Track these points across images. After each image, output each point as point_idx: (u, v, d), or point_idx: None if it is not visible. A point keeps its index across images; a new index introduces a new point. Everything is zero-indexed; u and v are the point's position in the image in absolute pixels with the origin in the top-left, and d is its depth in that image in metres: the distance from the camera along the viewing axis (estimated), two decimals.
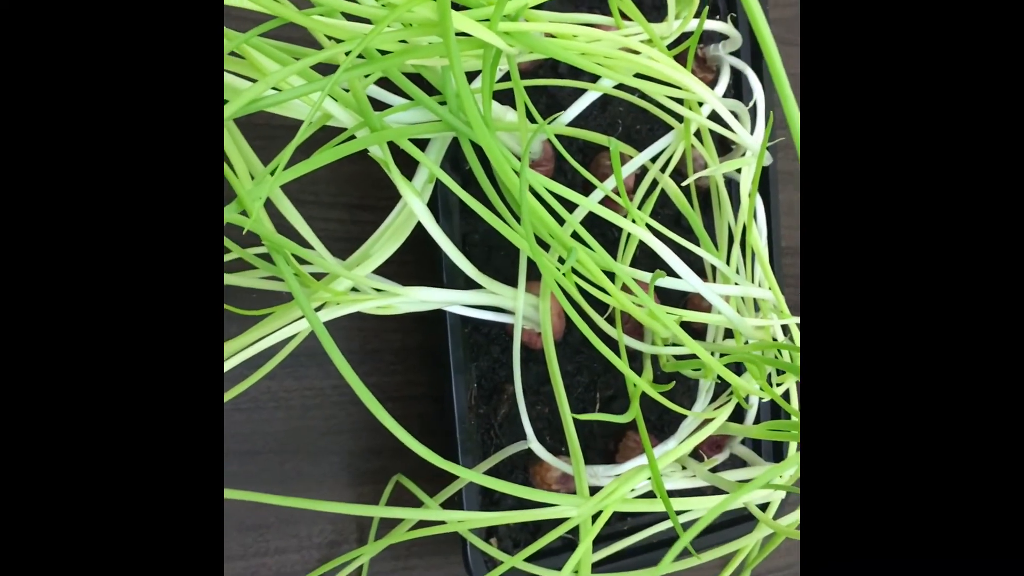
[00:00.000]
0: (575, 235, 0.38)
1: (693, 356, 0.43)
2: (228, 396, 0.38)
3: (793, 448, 0.46)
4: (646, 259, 0.49)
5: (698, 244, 0.45)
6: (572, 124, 0.45)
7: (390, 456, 0.47)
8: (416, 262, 0.46)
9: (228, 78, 0.36)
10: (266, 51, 0.34)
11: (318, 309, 0.37)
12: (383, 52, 0.34)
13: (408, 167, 0.39)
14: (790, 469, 0.41)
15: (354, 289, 0.38)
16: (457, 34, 0.33)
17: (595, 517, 0.40)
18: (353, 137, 0.35)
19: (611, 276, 0.39)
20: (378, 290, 0.38)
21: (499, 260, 0.46)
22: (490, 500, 0.45)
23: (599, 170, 0.48)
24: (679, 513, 0.40)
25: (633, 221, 0.39)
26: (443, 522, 0.41)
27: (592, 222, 0.48)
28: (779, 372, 0.46)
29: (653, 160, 0.45)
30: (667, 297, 0.50)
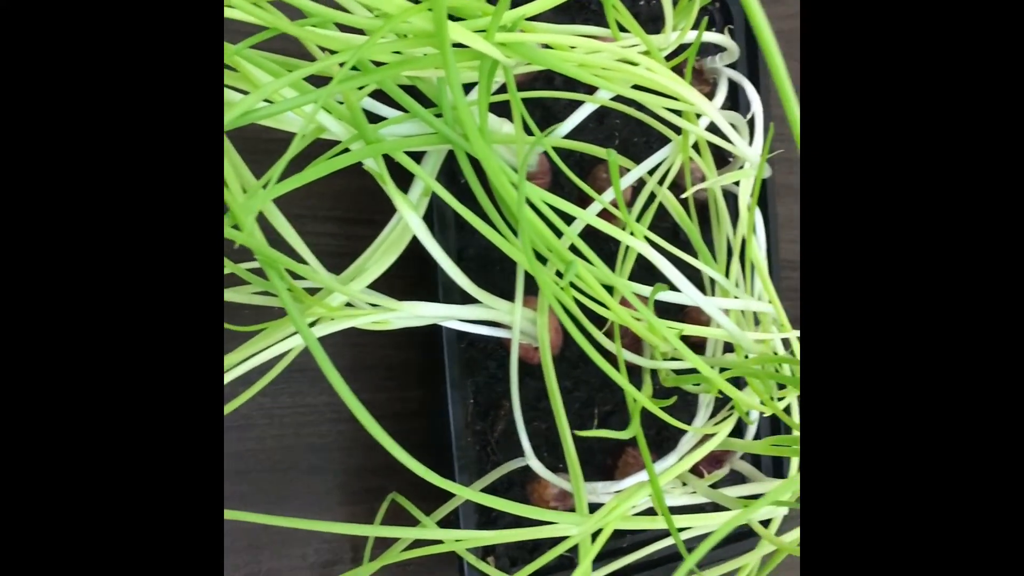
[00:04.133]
0: (573, 249, 0.38)
1: (692, 371, 0.43)
2: None
3: (795, 464, 0.45)
4: (642, 273, 0.48)
5: (696, 257, 0.44)
6: (568, 136, 0.44)
7: (384, 474, 0.46)
8: (408, 277, 0.46)
9: None
10: (259, 63, 0.33)
11: (312, 324, 0.37)
12: (378, 64, 0.34)
13: (402, 181, 0.39)
14: (794, 485, 0.41)
15: (348, 304, 0.38)
16: (453, 45, 0.32)
17: (594, 535, 0.40)
18: (347, 150, 0.35)
19: (609, 290, 0.38)
20: (373, 305, 0.38)
21: (494, 275, 0.45)
22: (487, 518, 0.44)
23: (596, 183, 0.47)
24: (681, 530, 0.40)
25: (631, 234, 0.39)
26: (439, 541, 0.40)
27: (587, 236, 0.47)
28: (780, 386, 0.45)
29: (651, 173, 0.45)
30: (663, 311, 0.49)
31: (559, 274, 0.39)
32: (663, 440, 0.51)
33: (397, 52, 0.36)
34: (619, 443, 0.49)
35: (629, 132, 0.49)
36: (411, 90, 0.37)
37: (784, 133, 0.62)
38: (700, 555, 0.32)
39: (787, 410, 0.47)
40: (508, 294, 0.42)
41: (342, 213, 0.46)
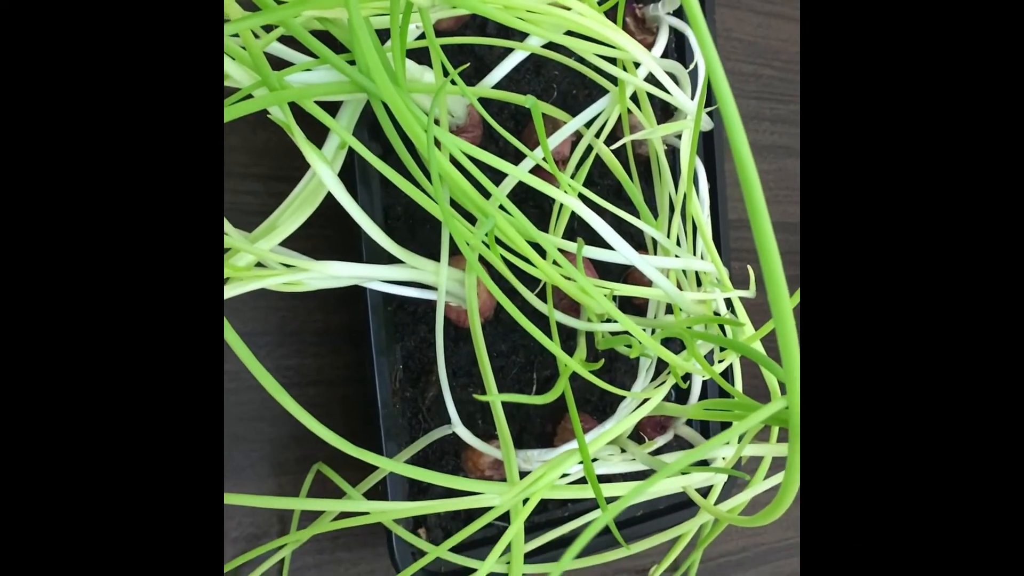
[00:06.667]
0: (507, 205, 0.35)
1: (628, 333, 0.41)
2: None
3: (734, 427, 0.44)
4: (585, 232, 0.46)
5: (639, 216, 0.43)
6: (502, 87, 0.42)
7: (312, 443, 0.44)
8: (338, 235, 0.44)
9: None
10: None
11: None
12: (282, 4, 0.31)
13: (323, 132, 0.36)
14: (727, 450, 0.39)
15: (260, 264, 0.35)
16: None
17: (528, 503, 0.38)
18: (251, 97, 0.32)
19: (543, 249, 0.36)
20: (288, 265, 0.36)
21: (424, 233, 0.43)
22: (418, 488, 0.42)
23: (532, 137, 0.45)
24: (611, 500, 0.38)
25: (566, 191, 0.37)
26: (367, 512, 0.38)
27: (528, 193, 0.45)
28: (722, 348, 0.43)
29: (588, 125, 0.43)
30: (607, 271, 0.48)
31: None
32: (607, 404, 0.49)
33: None
34: (559, 409, 0.47)
35: (569, 84, 0.47)
36: (327, 36, 0.34)
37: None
38: (613, 514, 0.31)
39: (728, 373, 0.45)
40: (439, 254, 0.40)
41: (265, 170, 0.43)
